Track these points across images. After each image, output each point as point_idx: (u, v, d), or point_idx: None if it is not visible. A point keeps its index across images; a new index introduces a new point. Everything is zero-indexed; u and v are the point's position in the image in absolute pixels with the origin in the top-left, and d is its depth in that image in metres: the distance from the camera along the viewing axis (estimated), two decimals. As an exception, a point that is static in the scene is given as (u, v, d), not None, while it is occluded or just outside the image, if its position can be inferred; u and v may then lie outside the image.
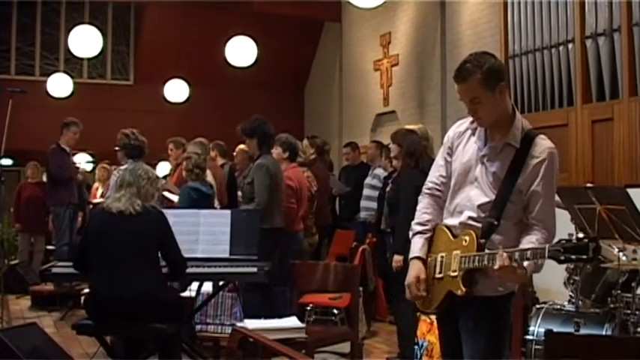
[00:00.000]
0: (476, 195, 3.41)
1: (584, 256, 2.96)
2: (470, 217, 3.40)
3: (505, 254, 3.15)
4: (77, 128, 9.73)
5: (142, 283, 4.96)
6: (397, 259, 6.53)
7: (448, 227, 3.49)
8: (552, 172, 3.34)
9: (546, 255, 3.05)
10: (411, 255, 3.57)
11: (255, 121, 6.99)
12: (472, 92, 3.32)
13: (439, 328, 3.76)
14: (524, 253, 3.13)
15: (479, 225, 3.36)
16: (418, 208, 3.66)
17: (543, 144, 3.35)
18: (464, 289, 3.32)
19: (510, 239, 3.31)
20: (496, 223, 3.32)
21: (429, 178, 3.68)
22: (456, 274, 3.35)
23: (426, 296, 3.51)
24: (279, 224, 6.81)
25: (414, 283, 3.49)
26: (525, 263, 3.17)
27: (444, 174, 3.59)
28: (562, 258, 3.00)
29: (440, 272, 3.44)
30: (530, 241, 3.26)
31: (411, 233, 3.64)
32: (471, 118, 3.50)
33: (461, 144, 3.54)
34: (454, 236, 3.43)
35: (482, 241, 3.31)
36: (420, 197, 3.70)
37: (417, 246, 3.56)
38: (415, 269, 3.51)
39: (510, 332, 3.66)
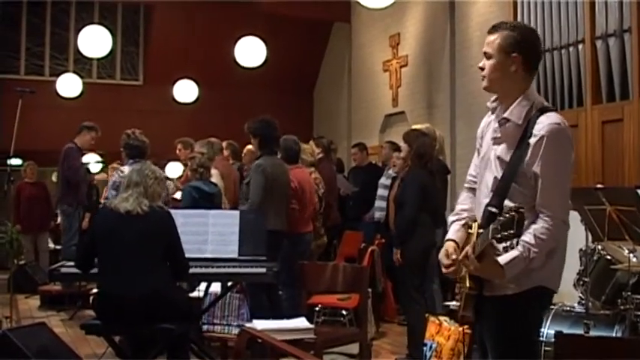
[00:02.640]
0: (489, 180, 3.28)
1: (512, 232, 2.81)
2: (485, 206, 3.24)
3: (471, 243, 3.09)
4: (96, 134, 9.79)
5: (150, 283, 4.96)
6: (395, 251, 6.60)
7: (473, 222, 3.33)
8: (554, 149, 3.09)
9: (490, 235, 2.91)
10: (445, 239, 3.45)
11: (260, 122, 6.99)
12: (489, 46, 3.27)
13: (476, 328, 3.61)
14: (481, 238, 3.02)
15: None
16: (457, 202, 3.59)
17: (544, 120, 3.13)
18: (467, 286, 3.20)
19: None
20: (496, 210, 3.10)
21: (469, 171, 3.59)
22: (464, 271, 3.24)
23: (461, 297, 3.35)
24: (274, 226, 6.69)
25: (443, 256, 3.34)
26: (503, 260, 3.04)
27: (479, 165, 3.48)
28: (498, 236, 2.87)
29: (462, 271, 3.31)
30: (527, 233, 3.04)
31: (448, 227, 3.54)
32: (493, 97, 3.41)
33: (487, 132, 3.42)
34: (471, 230, 3.30)
35: (481, 231, 3.12)
36: (461, 192, 3.62)
37: (451, 230, 3.44)
38: (445, 246, 3.38)
39: (534, 338, 3.38)
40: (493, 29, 3.29)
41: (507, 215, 2.83)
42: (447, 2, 11.48)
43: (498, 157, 3.24)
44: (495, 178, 3.24)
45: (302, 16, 14.73)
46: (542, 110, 3.19)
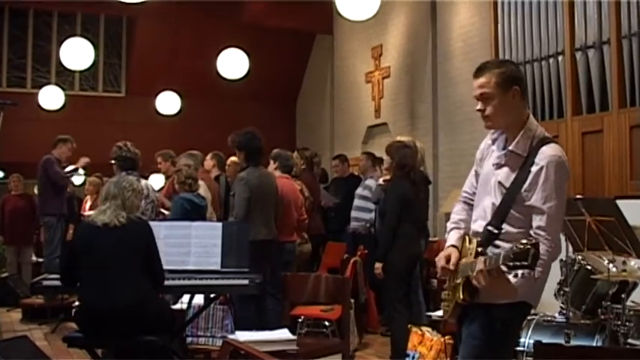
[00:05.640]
0: (488, 205, 3.45)
1: (525, 263, 2.91)
2: (481, 226, 3.45)
3: (482, 259, 3.19)
4: (72, 145, 9.76)
5: (131, 294, 4.95)
6: (377, 265, 6.64)
7: (469, 236, 3.52)
8: (551, 179, 3.27)
9: (500, 261, 3.03)
10: (447, 244, 3.60)
11: (245, 135, 7.02)
12: (484, 87, 3.39)
13: (457, 334, 3.75)
14: (491, 259, 3.13)
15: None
16: (452, 212, 3.76)
17: (546, 151, 3.31)
18: (461, 297, 3.36)
19: None
20: (496, 231, 3.34)
21: (463, 188, 3.77)
22: (459, 282, 3.40)
23: (448, 304, 3.54)
24: (264, 236, 6.78)
25: (442, 257, 3.51)
26: (513, 279, 3.16)
27: (475, 184, 3.67)
28: (510, 264, 2.97)
29: (454, 280, 3.48)
30: None
31: (446, 234, 3.70)
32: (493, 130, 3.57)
33: (487, 156, 3.59)
34: (469, 244, 3.47)
35: (481, 249, 3.33)
36: (455, 203, 3.79)
37: (452, 238, 3.60)
38: (446, 250, 3.54)
39: (510, 345, 3.65)
40: (481, 71, 3.42)
41: (522, 247, 2.92)
42: (428, 14, 11.56)
43: (499, 182, 3.42)
44: (493, 204, 3.42)
45: (284, 28, 14.78)
46: (544, 141, 3.38)
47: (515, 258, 2.93)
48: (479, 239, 3.39)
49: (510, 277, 3.17)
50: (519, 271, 3.08)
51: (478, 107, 3.44)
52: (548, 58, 8.02)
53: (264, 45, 14.72)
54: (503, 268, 3.07)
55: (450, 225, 3.71)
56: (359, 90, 13.95)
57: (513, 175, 3.37)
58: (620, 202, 5.00)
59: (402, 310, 6.68)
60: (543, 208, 3.26)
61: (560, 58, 7.87)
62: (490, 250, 3.34)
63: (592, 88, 7.51)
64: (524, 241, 2.94)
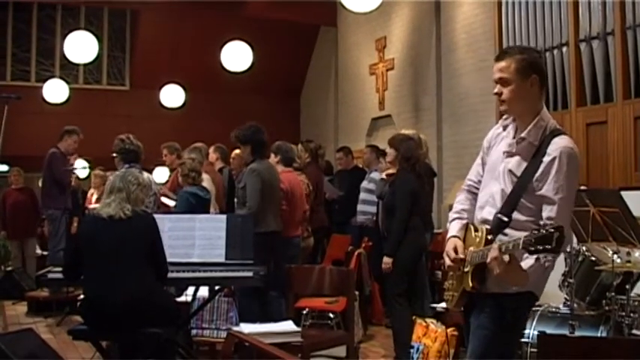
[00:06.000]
0: (496, 191, 3.46)
1: (549, 246, 2.91)
2: (490, 213, 3.46)
3: (496, 245, 3.19)
4: (78, 137, 9.76)
5: (135, 287, 4.96)
6: (386, 260, 6.62)
7: (474, 224, 3.54)
8: (563, 170, 3.29)
9: (520, 245, 3.03)
10: (449, 235, 3.62)
11: (250, 129, 7.05)
12: (503, 72, 3.41)
13: (464, 325, 3.78)
14: (507, 245, 3.13)
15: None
16: (455, 201, 3.76)
17: (558, 142, 3.34)
18: (470, 284, 3.38)
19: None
20: (506, 219, 3.36)
21: (468, 176, 3.77)
22: (467, 270, 3.42)
23: (452, 294, 3.56)
24: (274, 228, 6.86)
25: (451, 249, 3.50)
26: (526, 265, 3.19)
27: (481, 172, 3.67)
28: (532, 249, 2.97)
29: (460, 269, 3.49)
30: None
31: (448, 224, 3.71)
32: (505, 116, 3.58)
33: (495, 144, 3.61)
34: (475, 232, 3.48)
35: (490, 237, 3.35)
36: (458, 192, 3.79)
37: (454, 228, 3.62)
38: (451, 242, 3.55)
39: (518, 335, 3.70)
40: (502, 56, 3.47)
41: (544, 231, 2.94)
42: (432, 5, 11.53)
43: (510, 170, 3.44)
44: (503, 190, 3.44)
45: (288, 20, 14.75)
46: (556, 132, 3.41)
47: (537, 242, 2.94)
48: (488, 227, 3.41)
49: (523, 263, 3.19)
50: (541, 255, 3.10)
51: (495, 90, 3.47)
52: (552, 50, 8.00)
53: (268, 38, 14.71)
54: (520, 253, 3.11)
55: (452, 215, 3.71)
56: (363, 82, 13.94)
57: (524, 164, 3.39)
58: (624, 193, 5.00)
59: (403, 303, 6.69)
60: (554, 199, 3.29)
61: (564, 49, 7.85)
62: (499, 238, 3.35)
63: (596, 79, 7.49)
64: (546, 226, 2.96)
